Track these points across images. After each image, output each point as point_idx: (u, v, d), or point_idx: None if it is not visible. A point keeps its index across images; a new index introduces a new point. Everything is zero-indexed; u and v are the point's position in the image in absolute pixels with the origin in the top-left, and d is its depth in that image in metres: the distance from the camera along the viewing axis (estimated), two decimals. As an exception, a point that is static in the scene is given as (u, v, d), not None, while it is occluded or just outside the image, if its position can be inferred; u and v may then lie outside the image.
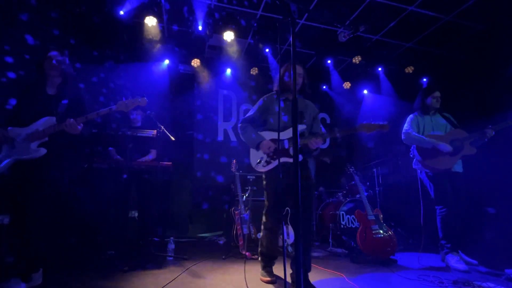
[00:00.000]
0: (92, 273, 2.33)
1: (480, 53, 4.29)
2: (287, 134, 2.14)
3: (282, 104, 2.22)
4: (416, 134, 2.86)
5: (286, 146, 2.12)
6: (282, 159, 2.10)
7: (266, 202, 2.21)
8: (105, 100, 4.26)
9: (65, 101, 2.17)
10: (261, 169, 2.19)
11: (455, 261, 2.59)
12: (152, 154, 3.21)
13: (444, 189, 2.74)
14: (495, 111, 3.48)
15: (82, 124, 2.08)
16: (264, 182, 2.22)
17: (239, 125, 2.30)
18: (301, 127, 2.11)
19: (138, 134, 3.17)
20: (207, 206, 4.68)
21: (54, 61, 2.14)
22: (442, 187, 2.76)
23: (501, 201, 3.64)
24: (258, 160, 2.18)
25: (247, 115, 2.32)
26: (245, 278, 1.80)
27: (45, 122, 2.04)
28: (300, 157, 2.03)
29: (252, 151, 2.26)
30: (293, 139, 1.08)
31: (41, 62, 2.16)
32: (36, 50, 3.46)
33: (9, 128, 2.01)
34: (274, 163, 2.12)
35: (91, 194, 3.08)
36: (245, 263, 1.89)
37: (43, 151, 2.01)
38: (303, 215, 1.92)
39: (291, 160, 2.05)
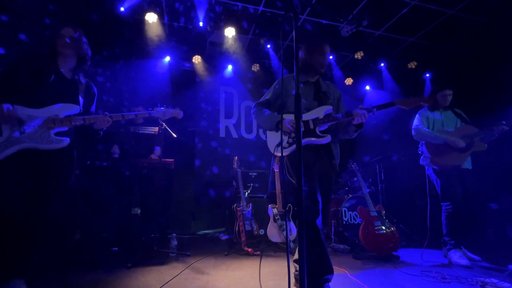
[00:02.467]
0: (96, 269, 2.34)
1: (484, 47, 4.23)
2: (311, 115, 1.93)
3: (302, 86, 2.00)
4: (427, 130, 2.82)
5: (311, 126, 1.91)
6: (307, 140, 1.88)
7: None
8: (105, 98, 4.25)
9: (82, 89, 1.95)
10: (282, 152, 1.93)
11: (458, 257, 2.58)
12: (158, 151, 3.21)
13: (452, 185, 2.72)
14: (499, 106, 3.45)
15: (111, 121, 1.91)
16: (289, 168, 1.94)
17: (253, 109, 2.10)
18: (327, 108, 1.93)
19: (140, 131, 3.18)
20: (209, 202, 4.69)
21: (67, 39, 1.86)
22: (449, 184, 2.73)
23: (504, 196, 3.62)
24: (278, 143, 1.95)
25: (262, 99, 2.11)
26: (259, 275, 1.79)
27: (66, 109, 1.78)
28: (328, 139, 1.87)
29: (270, 134, 2.03)
30: (296, 134, 1.06)
31: (53, 40, 1.87)
32: (32, 48, 3.43)
33: (15, 106, 1.66)
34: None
35: (94, 191, 3.09)
36: (260, 259, 1.86)
37: (66, 141, 1.75)
38: (322, 207, 1.77)
39: (316, 141, 1.87)
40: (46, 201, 1.74)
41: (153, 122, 3.30)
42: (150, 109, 2.12)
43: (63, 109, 1.78)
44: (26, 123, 1.68)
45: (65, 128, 1.80)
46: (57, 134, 1.77)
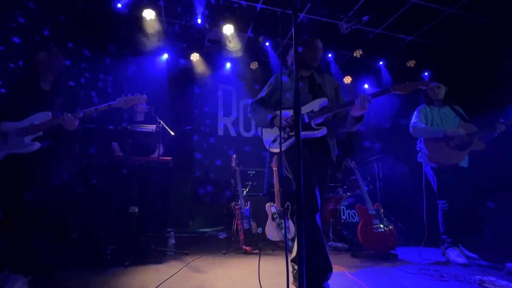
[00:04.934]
0: (93, 268, 2.33)
1: (483, 46, 4.24)
2: (306, 109, 1.90)
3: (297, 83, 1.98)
4: (424, 126, 2.80)
5: (307, 120, 1.87)
6: (303, 134, 1.80)
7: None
8: (103, 95, 4.21)
9: (60, 97, 2.16)
10: (277, 148, 1.89)
11: (455, 255, 2.59)
12: (160, 149, 3.18)
13: (449, 183, 2.71)
14: (498, 105, 3.45)
15: (78, 120, 2.06)
16: (287, 163, 1.92)
17: (249, 108, 2.08)
18: (322, 100, 1.90)
19: (137, 129, 3.15)
20: (207, 201, 4.67)
21: (44, 62, 2.13)
22: (446, 182, 2.73)
23: (501, 195, 3.64)
24: (273, 138, 1.92)
25: (258, 96, 2.10)
26: (258, 273, 1.78)
27: (40, 117, 2.02)
28: (323, 132, 1.85)
29: (265, 131, 2.03)
30: (295, 130, 1.05)
31: (31, 60, 2.13)
32: (28, 43, 3.39)
33: (1, 122, 1.99)
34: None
35: (92, 189, 3.07)
36: (259, 258, 1.86)
37: (37, 145, 1.99)
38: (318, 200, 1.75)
39: (312, 135, 1.84)
40: (26, 200, 1.95)
41: (152, 120, 3.27)
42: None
43: (36, 118, 2.02)
44: (9, 134, 1.97)
45: (40, 133, 2.02)
46: (35, 139, 2.01)
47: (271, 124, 1.92)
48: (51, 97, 2.14)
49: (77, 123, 2.05)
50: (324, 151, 1.94)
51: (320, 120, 1.88)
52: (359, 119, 1.88)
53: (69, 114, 2.02)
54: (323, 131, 1.84)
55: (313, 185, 1.73)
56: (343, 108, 1.84)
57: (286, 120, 1.82)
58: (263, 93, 2.09)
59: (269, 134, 1.99)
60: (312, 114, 1.87)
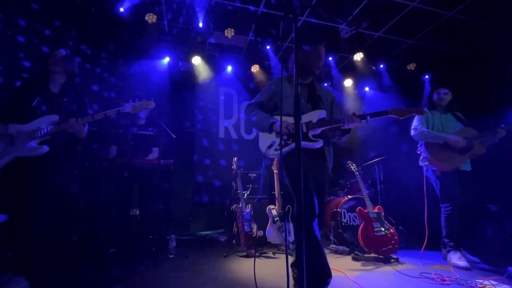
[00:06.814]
0: (95, 270, 2.33)
1: (482, 49, 4.24)
2: (304, 119, 1.90)
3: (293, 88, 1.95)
4: (426, 130, 2.80)
5: (305, 130, 1.87)
6: (301, 144, 1.86)
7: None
8: (105, 98, 4.24)
9: (69, 101, 2.15)
10: (274, 154, 1.88)
11: (457, 258, 2.57)
12: (155, 153, 3.20)
13: (451, 187, 2.71)
14: (498, 108, 3.45)
15: (87, 125, 2.06)
16: (284, 169, 1.90)
17: (245, 110, 2.06)
18: (321, 112, 1.91)
19: (139, 132, 3.17)
20: (208, 203, 4.68)
21: (58, 58, 2.13)
22: (449, 185, 2.72)
23: (503, 198, 3.63)
24: (270, 144, 1.90)
25: (254, 99, 2.06)
26: (254, 276, 1.79)
27: (47, 121, 2.01)
28: (320, 144, 1.85)
29: (262, 135, 1.99)
30: (295, 135, 1.06)
31: (45, 59, 2.15)
32: (32, 47, 3.43)
33: (8, 124, 1.97)
34: (293, 146, 1.82)
35: (93, 192, 3.08)
36: (254, 262, 1.87)
37: (45, 148, 1.98)
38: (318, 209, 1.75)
39: (308, 145, 1.84)
40: (33, 202, 1.94)
41: (153, 122, 3.29)
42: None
43: (45, 121, 2.01)
44: (16, 137, 1.95)
45: (47, 137, 2.01)
46: (42, 142, 2.00)
47: (269, 130, 1.90)
48: (59, 100, 2.14)
49: (86, 128, 2.05)
50: (322, 160, 1.94)
51: (317, 132, 1.88)
52: (347, 131, 1.95)
53: (74, 119, 2.00)
54: (320, 143, 1.85)
55: (310, 192, 1.73)
56: (336, 125, 1.87)
57: (286, 127, 1.81)
58: (261, 97, 2.05)
59: (265, 139, 1.96)
60: (311, 125, 1.87)
